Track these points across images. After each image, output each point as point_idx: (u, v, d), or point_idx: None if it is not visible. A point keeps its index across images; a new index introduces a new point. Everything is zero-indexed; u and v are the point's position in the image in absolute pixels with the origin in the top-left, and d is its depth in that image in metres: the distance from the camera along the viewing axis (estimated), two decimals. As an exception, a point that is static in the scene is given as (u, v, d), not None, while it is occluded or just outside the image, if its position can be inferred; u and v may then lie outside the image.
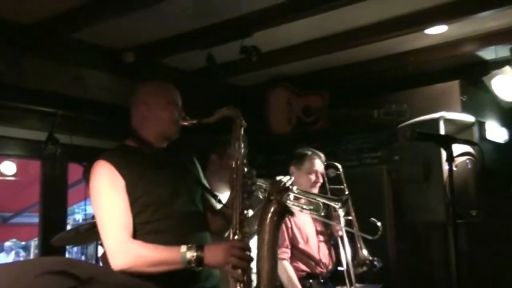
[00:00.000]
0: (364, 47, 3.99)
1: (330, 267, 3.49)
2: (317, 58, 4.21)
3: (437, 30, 3.77)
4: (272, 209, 2.09)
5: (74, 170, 4.63)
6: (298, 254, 3.38)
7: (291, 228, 3.38)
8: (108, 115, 4.04)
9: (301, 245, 3.39)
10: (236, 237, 2.02)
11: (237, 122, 2.16)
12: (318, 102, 4.80)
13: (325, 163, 3.58)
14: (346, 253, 3.36)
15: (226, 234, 2.13)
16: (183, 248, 1.94)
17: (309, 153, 3.53)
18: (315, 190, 3.44)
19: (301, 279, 3.30)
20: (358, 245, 3.36)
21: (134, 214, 2.04)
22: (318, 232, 3.53)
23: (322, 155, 3.57)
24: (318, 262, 3.41)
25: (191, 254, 1.92)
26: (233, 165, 2.13)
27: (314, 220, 3.51)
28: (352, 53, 4.17)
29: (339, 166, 3.67)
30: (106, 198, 2.04)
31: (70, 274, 0.83)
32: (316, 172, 3.47)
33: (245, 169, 2.15)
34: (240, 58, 3.72)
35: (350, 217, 3.36)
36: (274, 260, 2.05)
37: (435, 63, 4.34)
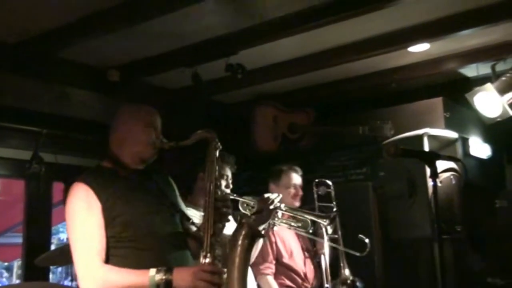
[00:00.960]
0: (348, 64, 4.03)
1: (315, 283, 3.49)
2: (303, 75, 4.24)
3: (420, 48, 3.83)
4: (243, 232, 2.09)
5: (59, 189, 4.59)
6: (283, 269, 3.39)
7: (275, 242, 3.39)
8: (93, 133, 4.01)
9: (285, 259, 3.40)
10: (207, 260, 1.99)
11: (212, 145, 2.17)
12: (304, 119, 4.83)
13: (316, 181, 3.62)
14: (327, 272, 3.37)
15: (196, 262, 2.10)
16: (152, 271, 1.93)
17: (285, 168, 3.61)
18: (297, 203, 3.48)
19: None
20: (341, 264, 3.37)
21: (114, 232, 2.04)
22: (303, 249, 3.54)
23: (298, 168, 3.63)
24: (303, 278, 3.42)
25: (159, 277, 1.91)
26: (207, 188, 2.13)
27: (299, 236, 3.52)
28: (337, 70, 4.21)
29: (330, 183, 3.69)
30: (80, 222, 2.03)
31: None
32: (294, 186, 3.53)
33: (219, 192, 2.15)
34: (225, 75, 3.74)
35: (336, 236, 3.37)
36: (244, 283, 2.04)
37: (419, 80, 4.40)
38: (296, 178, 3.58)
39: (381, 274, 4.11)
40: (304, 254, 3.53)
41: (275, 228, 3.08)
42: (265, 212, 2.66)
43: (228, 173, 2.92)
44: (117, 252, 2.05)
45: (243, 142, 4.69)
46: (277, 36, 3.43)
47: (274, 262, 3.36)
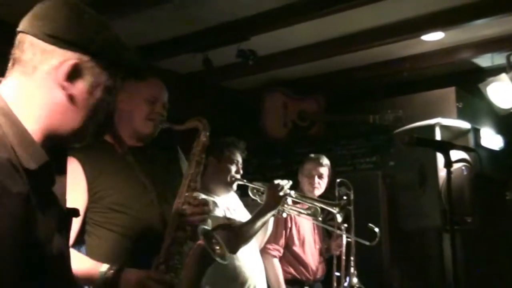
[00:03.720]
0: (360, 52, 3.99)
1: (318, 276, 3.49)
2: (314, 62, 4.21)
3: (434, 37, 3.78)
4: (198, 253, 1.97)
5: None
6: (290, 257, 3.39)
7: (290, 228, 3.38)
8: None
9: (296, 247, 3.40)
10: (160, 267, 1.82)
11: (200, 137, 2.01)
12: (314, 106, 4.81)
13: (339, 180, 3.57)
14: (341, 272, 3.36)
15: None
16: (104, 267, 1.78)
17: (309, 156, 3.58)
18: (316, 193, 3.46)
19: (285, 282, 3.31)
20: (352, 270, 3.35)
21: (98, 212, 1.91)
22: (315, 242, 3.54)
23: (321, 158, 3.58)
24: (307, 268, 3.42)
25: (109, 275, 1.77)
26: (181, 186, 1.95)
27: (316, 229, 3.53)
28: (349, 58, 4.17)
29: (350, 187, 3.57)
30: None
31: None
32: (312, 175, 3.49)
33: (193, 194, 1.94)
34: (236, 61, 3.71)
35: (345, 225, 3.34)
36: None
37: (432, 69, 4.36)
38: (315, 168, 3.55)
39: (389, 264, 4.10)
40: (315, 247, 3.53)
41: (284, 214, 3.05)
42: (275, 199, 2.64)
43: (239, 158, 2.89)
44: (96, 232, 1.93)
45: (252, 128, 4.68)
46: (289, 22, 3.40)
47: (283, 246, 3.36)
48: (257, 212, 2.62)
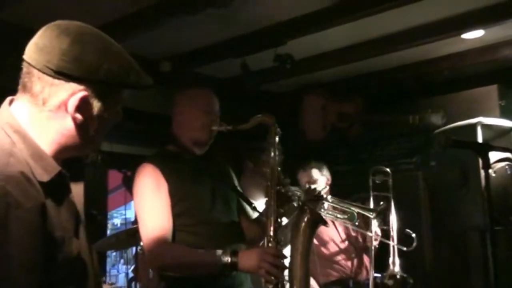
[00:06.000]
0: (399, 52, 3.96)
1: (359, 275, 3.47)
2: (352, 64, 4.21)
3: (474, 35, 3.72)
4: (305, 219, 2.09)
5: (113, 177, 4.76)
6: (321, 260, 3.39)
7: None
8: (146, 123, 4.14)
9: (321, 251, 3.40)
10: (270, 245, 2.04)
11: (272, 129, 2.17)
12: (353, 108, 4.80)
13: (373, 168, 3.54)
14: (371, 265, 3.34)
15: (261, 243, 2.15)
16: (219, 252, 1.98)
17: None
18: None
19: (326, 284, 3.32)
20: (391, 259, 3.32)
21: (174, 215, 2.10)
22: (343, 239, 3.52)
23: (307, 165, 3.61)
24: (342, 267, 3.41)
25: (226, 258, 1.96)
26: (268, 173, 2.14)
27: (343, 227, 3.52)
28: (387, 58, 4.15)
29: (388, 171, 3.59)
30: (149, 200, 2.09)
31: None
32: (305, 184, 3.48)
33: (280, 177, 2.15)
34: (274, 65, 3.76)
35: (384, 227, 3.33)
36: (306, 269, 2.06)
37: (472, 67, 4.28)
38: (304, 176, 3.58)
39: (431, 265, 4.05)
40: (345, 244, 3.51)
41: None
42: (311, 203, 2.66)
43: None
44: (175, 234, 2.10)
45: (291, 131, 4.71)
46: (326, 26, 3.42)
47: None
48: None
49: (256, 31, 3.56)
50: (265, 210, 2.15)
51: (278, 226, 2.07)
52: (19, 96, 1.13)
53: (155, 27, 3.30)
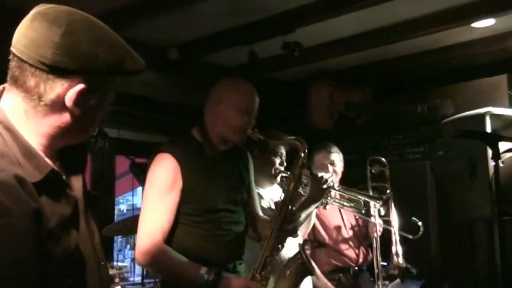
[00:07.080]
0: (408, 41, 3.94)
1: (361, 261, 3.46)
2: (360, 52, 4.19)
3: (484, 24, 3.69)
4: (296, 265, 2.06)
5: (120, 163, 4.78)
6: (326, 248, 3.39)
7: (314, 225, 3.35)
8: (153, 110, 4.14)
9: (327, 240, 3.40)
10: (256, 277, 1.99)
11: (300, 158, 2.11)
12: (361, 97, 4.78)
13: (370, 158, 3.49)
14: (377, 254, 3.34)
15: (249, 273, 2.07)
16: (204, 269, 1.93)
17: (318, 146, 3.49)
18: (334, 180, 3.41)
19: (330, 272, 3.31)
20: (395, 249, 3.31)
21: (181, 212, 2.05)
22: (347, 228, 3.50)
23: (330, 147, 3.49)
24: (346, 256, 3.41)
25: (208, 277, 1.91)
26: (280, 202, 2.10)
27: (347, 215, 3.50)
28: (396, 47, 4.12)
29: (385, 161, 3.57)
30: (159, 198, 2.02)
31: None
32: (326, 166, 3.41)
33: (292, 209, 2.10)
34: (282, 53, 3.74)
35: (388, 218, 3.31)
36: None
37: (482, 56, 4.24)
38: (326, 157, 3.42)
39: (437, 255, 4.06)
40: (349, 233, 3.50)
41: (327, 207, 3.07)
42: (318, 191, 2.65)
43: (283, 151, 2.92)
44: (185, 228, 2.07)
45: (299, 119, 4.70)
46: (334, 14, 3.39)
47: (309, 244, 3.35)
48: (301, 204, 2.64)
49: (264, 19, 3.54)
50: (263, 241, 2.09)
51: (269, 261, 2.03)
52: (9, 89, 1.09)
53: (163, 14, 3.29)
